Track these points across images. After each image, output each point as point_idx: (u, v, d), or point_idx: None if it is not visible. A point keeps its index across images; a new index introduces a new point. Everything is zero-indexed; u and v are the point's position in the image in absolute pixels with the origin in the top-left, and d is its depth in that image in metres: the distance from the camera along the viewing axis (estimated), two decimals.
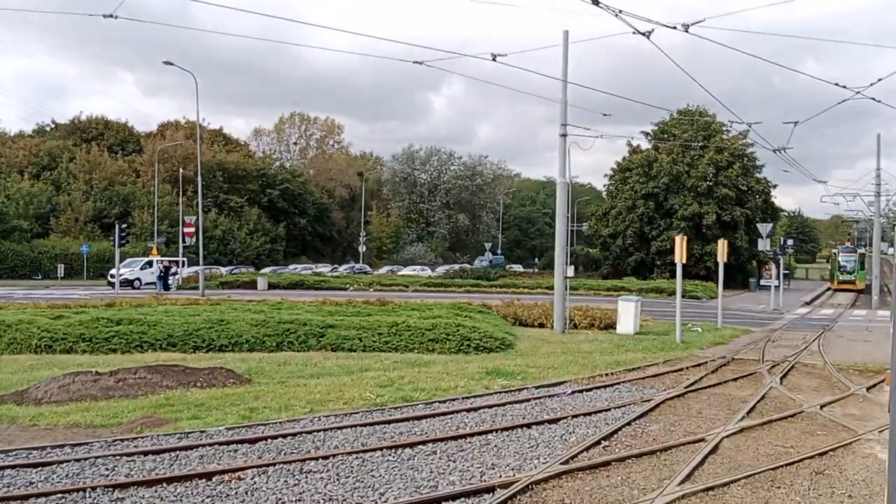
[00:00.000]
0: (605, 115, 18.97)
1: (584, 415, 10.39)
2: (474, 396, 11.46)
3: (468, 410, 10.48)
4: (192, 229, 36.07)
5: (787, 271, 54.50)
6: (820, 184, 34.59)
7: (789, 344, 19.69)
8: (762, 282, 41.77)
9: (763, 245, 34.06)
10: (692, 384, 13.09)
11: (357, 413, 10.07)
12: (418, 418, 9.89)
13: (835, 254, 49.33)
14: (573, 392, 12.11)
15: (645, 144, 47.99)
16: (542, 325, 21.24)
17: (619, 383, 13.05)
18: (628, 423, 9.88)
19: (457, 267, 58.24)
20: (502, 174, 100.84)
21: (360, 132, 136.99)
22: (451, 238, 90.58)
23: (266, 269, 53.92)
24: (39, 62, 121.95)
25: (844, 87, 13.79)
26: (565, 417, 10.18)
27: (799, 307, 36.30)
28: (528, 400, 11.31)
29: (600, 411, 10.68)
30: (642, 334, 20.28)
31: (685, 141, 45.20)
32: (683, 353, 17.13)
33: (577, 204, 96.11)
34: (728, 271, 48.05)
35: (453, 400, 11.14)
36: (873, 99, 15.21)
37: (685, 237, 19.06)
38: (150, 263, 42.51)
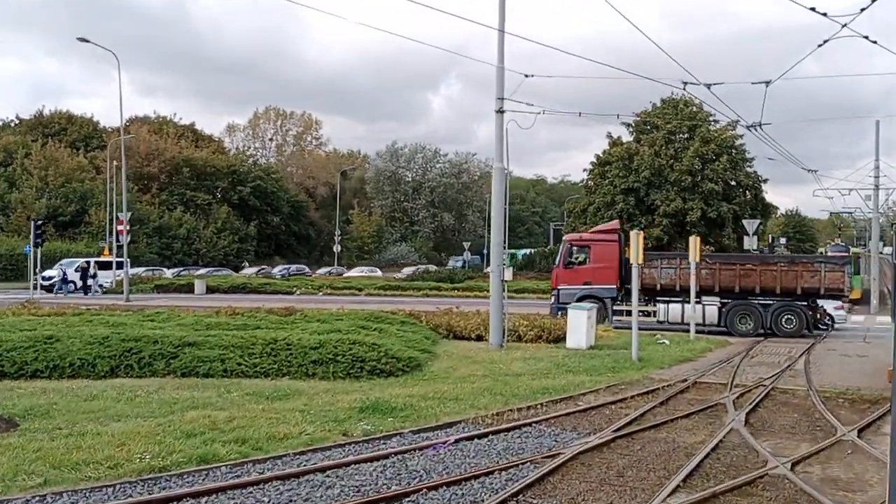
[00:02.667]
0: (526, 76, 15.76)
1: (448, 484, 7.23)
2: (313, 451, 8.29)
3: (284, 478, 7.31)
4: (127, 227, 32.84)
5: None
6: (810, 173, 31.32)
7: (770, 360, 16.56)
8: None
9: (749, 243, 30.85)
10: (628, 424, 9.94)
11: (108, 487, 6.90)
12: (193, 496, 6.71)
13: (822, 254, 43.59)
14: (459, 440, 8.93)
15: (626, 137, 44.81)
16: (479, 338, 18.02)
17: (531, 423, 9.88)
18: (504, 502, 6.72)
19: (422, 268, 55.04)
20: (490, 172, 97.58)
21: (359, 133, 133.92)
22: (437, 238, 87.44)
23: (202, 271, 50.54)
24: (37, 63, 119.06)
25: (825, 14, 10.66)
26: (416, 492, 7.01)
27: None
28: (386, 456, 8.14)
29: (477, 476, 7.52)
30: (597, 349, 17.10)
31: (669, 132, 42.05)
32: (636, 375, 13.95)
33: (568, 202, 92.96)
34: None
35: (278, 458, 7.98)
36: (866, 37, 12.08)
37: (641, 233, 15.87)
38: (87, 264, 39.23)
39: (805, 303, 21.83)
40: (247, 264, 61.08)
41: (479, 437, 9.14)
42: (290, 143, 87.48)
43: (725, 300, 21.82)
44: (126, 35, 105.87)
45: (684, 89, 14.79)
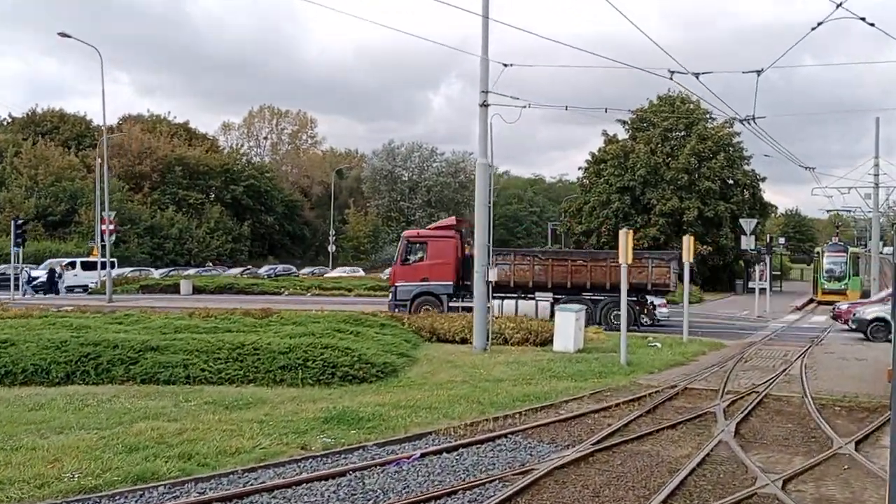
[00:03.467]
0: (505, 65, 15.06)
1: None
2: (264, 467, 7.65)
3: (226, 499, 6.70)
4: (112, 226, 32.26)
5: (777, 272, 50.43)
6: (808, 171, 30.62)
7: (765, 364, 15.90)
8: (751, 283, 37.85)
9: (747, 243, 30.18)
10: (610, 435, 9.30)
11: None
12: None
13: (818, 254, 40.61)
14: (425, 454, 8.29)
15: (623, 135, 44.09)
16: (464, 341, 17.37)
17: (507, 434, 9.26)
18: None
19: None
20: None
21: (359, 132, 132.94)
22: None
23: (190, 271, 49.76)
24: (35, 62, 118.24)
25: None
26: None
27: (788, 313, 32.48)
28: (343, 473, 7.50)
29: (438, 496, 6.90)
30: (584, 352, 16.46)
31: (665, 129, 41.36)
32: (623, 381, 13.32)
33: (564, 202, 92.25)
34: (713, 272, 44.32)
35: (224, 476, 7.34)
36: (863, 19, 11.47)
37: (630, 231, 15.21)
38: (72, 265, 38.58)
39: (634, 298, 21.68)
40: (210, 264, 57.88)
41: (449, 450, 8.50)
42: (285, 142, 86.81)
43: (558, 296, 21.75)
44: (125, 35, 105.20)
45: (671, 78, 14.16)
